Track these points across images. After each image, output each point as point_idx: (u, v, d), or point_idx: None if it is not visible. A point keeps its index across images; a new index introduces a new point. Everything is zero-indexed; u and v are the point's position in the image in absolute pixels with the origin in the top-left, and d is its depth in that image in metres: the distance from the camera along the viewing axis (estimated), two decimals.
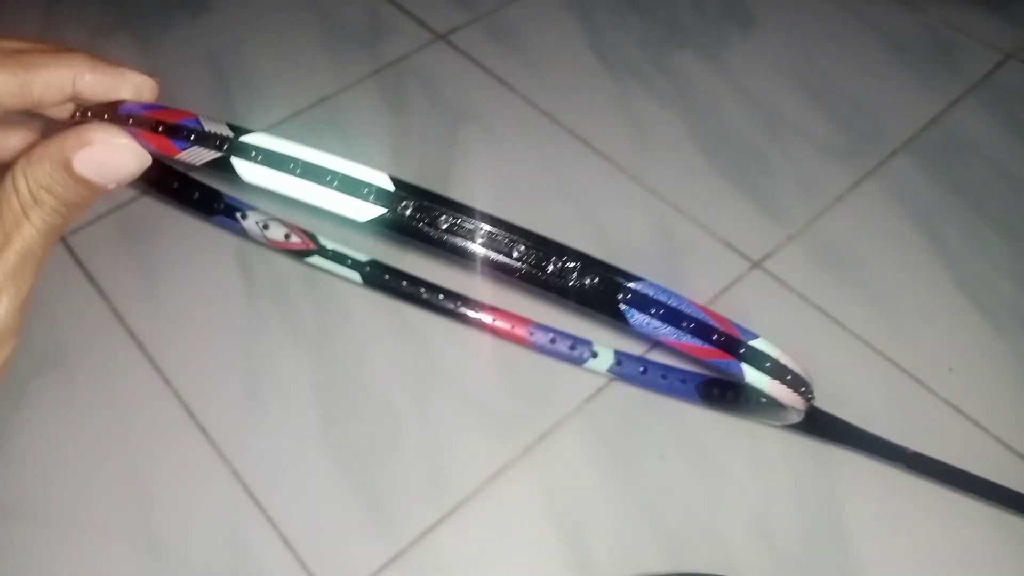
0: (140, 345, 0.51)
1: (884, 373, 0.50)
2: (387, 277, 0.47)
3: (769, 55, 0.68)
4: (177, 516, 0.45)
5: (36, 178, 0.24)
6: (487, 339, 0.51)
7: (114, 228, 0.57)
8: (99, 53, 0.26)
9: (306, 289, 0.54)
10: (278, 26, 0.71)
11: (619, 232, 0.57)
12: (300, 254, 0.47)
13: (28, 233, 0.24)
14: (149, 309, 0.53)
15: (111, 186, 0.25)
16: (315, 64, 0.68)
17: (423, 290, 0.48)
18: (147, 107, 0.26)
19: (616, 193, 0.59)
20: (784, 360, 0.31)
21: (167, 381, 0.50)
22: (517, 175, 0.60)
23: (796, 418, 0.34)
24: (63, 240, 0.57)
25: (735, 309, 0.53)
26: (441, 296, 0.48)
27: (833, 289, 0.54)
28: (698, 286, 0.54)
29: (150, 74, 0.27)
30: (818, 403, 0.48)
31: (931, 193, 0.59)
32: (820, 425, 0.43)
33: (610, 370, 0.47)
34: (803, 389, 0.33)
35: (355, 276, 0.47)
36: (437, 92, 0.65)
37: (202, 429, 0.48)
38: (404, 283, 0.47)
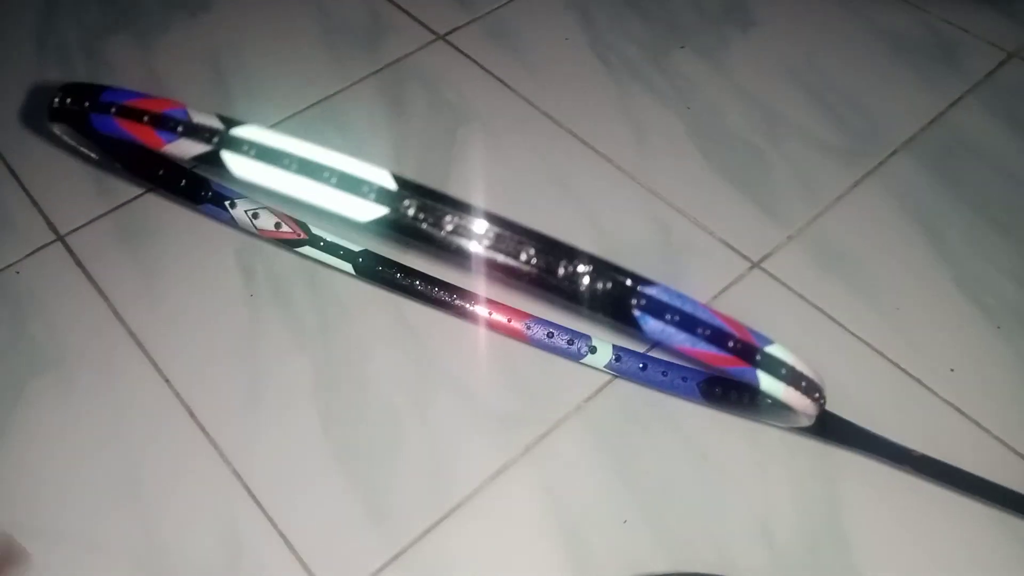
0: (140, 345, 0.51)
1: (884, 373, 0.50)
2: (380, 268, 0.46)
3: (769, 55, 0.68)
4: (177, 516, 0.45)
5: None
6: (487, 338, 0.51)
7: (114, 228, 0.57)
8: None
9: (306, 289, 0.54)
10: (278, 26, 0.71)
11: (619, 232, 0.57)
12: (291, 243, 0.46)
13: None
14: (149, 309, 0.53)
15: None
16: (315, 64, 0.68)
17: (418, 282, 0.47)
18: (131, 95, 0.24)
19: (616, 193, 0.59)
20: (799, 367, 0.31)
21: (167, 381, 0.50)
22: (517, 175, 0.60)
23: (806, 422, 0.34)
24: (62, 240, 0.57)
25: (735, 309, 0.53)
26: (436, 288, 0.47)
27: (833, 289, 0.54)
28: (698, 286, 0.54)
29: None
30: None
31: (931, 193, 0.59)
32: (827, 427, 0.42)
33: (608, 366, 0.47)
34: (816, 395, 0.33)
35: (347, 267, 0.46)
36: (437, 92, 0.65)
37: (202, 429, 0.48)
38: (399, 275, 0.46)
